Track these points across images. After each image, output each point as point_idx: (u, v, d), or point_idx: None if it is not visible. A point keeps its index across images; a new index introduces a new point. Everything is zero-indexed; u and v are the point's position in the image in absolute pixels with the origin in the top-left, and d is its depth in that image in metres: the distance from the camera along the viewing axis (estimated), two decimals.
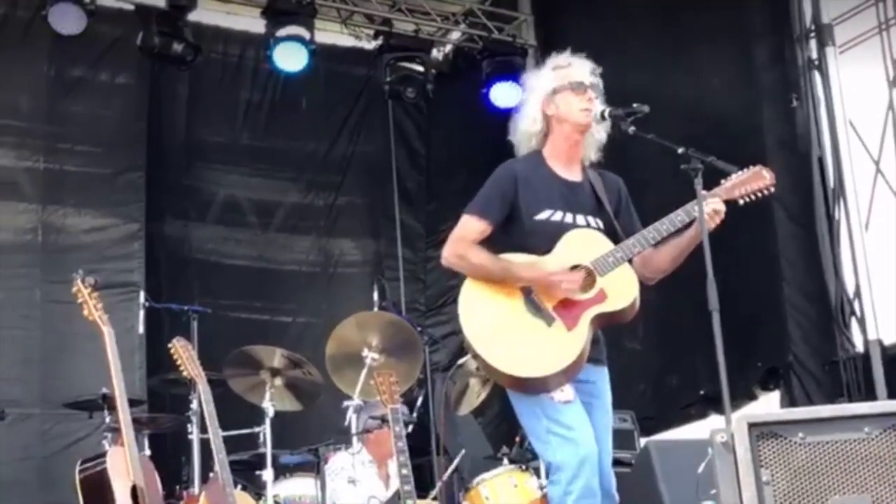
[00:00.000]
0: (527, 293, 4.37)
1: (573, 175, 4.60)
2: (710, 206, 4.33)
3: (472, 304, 4.41)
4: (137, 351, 8.39)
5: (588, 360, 4.36)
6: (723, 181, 4.46)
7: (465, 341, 4.41)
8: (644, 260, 4.50)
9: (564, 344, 4.29)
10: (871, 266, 7.97)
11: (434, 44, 10.81)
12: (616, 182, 4.69)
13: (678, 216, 4.39)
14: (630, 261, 4.41)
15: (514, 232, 4.49)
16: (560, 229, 4.45)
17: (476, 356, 4.39)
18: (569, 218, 4.48)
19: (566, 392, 4.28)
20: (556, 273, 4.33)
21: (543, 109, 4.58)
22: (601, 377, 4.53)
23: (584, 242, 4.44)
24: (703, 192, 4.29)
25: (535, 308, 4.34)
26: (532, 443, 4.51)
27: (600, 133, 4.60)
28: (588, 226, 4.51)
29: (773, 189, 4.51)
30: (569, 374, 4.29)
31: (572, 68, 4.60)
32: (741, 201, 4.45)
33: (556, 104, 4.55)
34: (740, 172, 4.47)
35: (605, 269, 4.36)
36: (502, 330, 4.34)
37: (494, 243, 4.47)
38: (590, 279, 4.36)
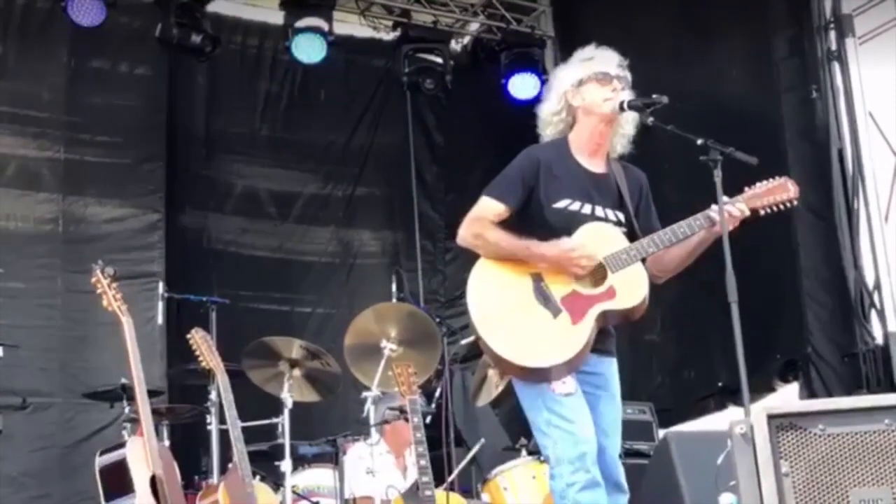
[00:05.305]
0: (536, 281, 4.34)
1: (597, 167, 4.56)
2: (734, 208, 4.33)
3: (481, 289, 4.38)
4: (157, 341, 8.40)
5: (594, 350, 4.33)
6: (746, 189, 4.44)
7: (471, 325, 4.38)
8: (655, 259, 4.46)
9: (568, 337, 4.25)
10: (891, 257, 7.94)
11: (453, 35, 10.81)
12: (639, 177, 4.64)
13: (697, 221, 4.36)
14: (643, 259, 4.38)
15: (531, 218, 4.44)
16: (577, 219, 4.40)
17: (480, 340, 4.36)
18: (587, 209, 4.44)
19: (567, 384, 4.26)
20: (574, 248, 4.28)
21: (569, 100, 4.55)
22: (608, 368, 4.49)
23: (599, 236, 4.39)
24: (726, 199, 4.27)
25: (544, 297, 4.31)
26: (534, 434, 4.46)
27: (628, 126, 4.57)
28: (606, 219, 4.46)
29: (795, 202, 4.48)
30: (570, 366, 4.26)
31: (598, 59, 4.57)
32: (762, 212, 4.43)
33: (583, 95, 4.52)
34: (765, 182, 4.45)
35: (617, 265, 4.32)
36: (507, 317, 4.30)
37: (510, 227, 4.42)
38: (601, 274, 4.34)
